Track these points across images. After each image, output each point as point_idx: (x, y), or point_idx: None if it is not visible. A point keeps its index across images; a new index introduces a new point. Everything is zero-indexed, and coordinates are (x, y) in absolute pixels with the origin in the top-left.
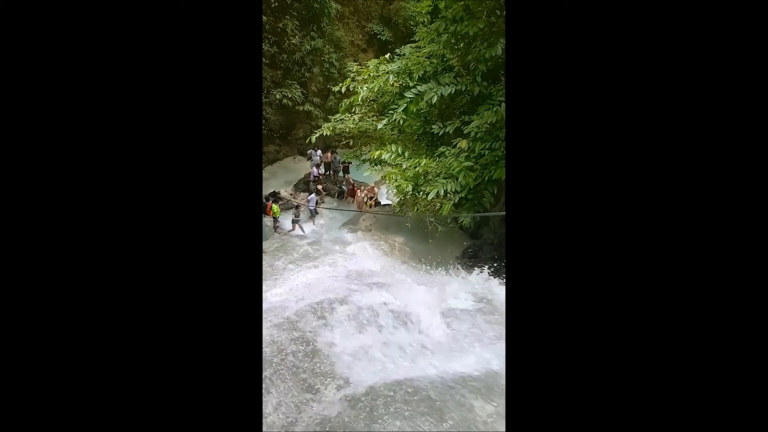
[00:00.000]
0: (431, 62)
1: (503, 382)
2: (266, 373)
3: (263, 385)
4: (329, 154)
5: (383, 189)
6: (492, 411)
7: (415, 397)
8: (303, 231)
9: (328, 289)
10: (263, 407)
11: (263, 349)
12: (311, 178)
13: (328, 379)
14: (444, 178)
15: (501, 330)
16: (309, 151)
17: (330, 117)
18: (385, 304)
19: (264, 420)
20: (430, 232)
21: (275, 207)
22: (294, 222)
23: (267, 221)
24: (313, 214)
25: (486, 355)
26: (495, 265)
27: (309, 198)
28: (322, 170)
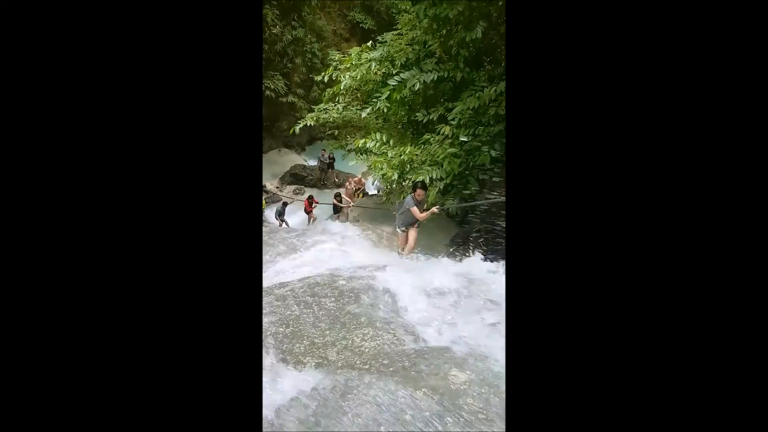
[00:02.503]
0: (413, 49)
1: (478, 351)
2: None
3: None
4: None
5: (370, 179)
6: (465, 378)
7: (390, 369)
8: (288, 224)
9: (312, 275)
10: None
11: None
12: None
13: (307, 357)
14: (429, 166)
15: (481, 305)
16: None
17: (314, 107)
18: (368, 286)
19: None
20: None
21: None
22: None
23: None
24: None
25: (464, 328)
26: (484, 250)
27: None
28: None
